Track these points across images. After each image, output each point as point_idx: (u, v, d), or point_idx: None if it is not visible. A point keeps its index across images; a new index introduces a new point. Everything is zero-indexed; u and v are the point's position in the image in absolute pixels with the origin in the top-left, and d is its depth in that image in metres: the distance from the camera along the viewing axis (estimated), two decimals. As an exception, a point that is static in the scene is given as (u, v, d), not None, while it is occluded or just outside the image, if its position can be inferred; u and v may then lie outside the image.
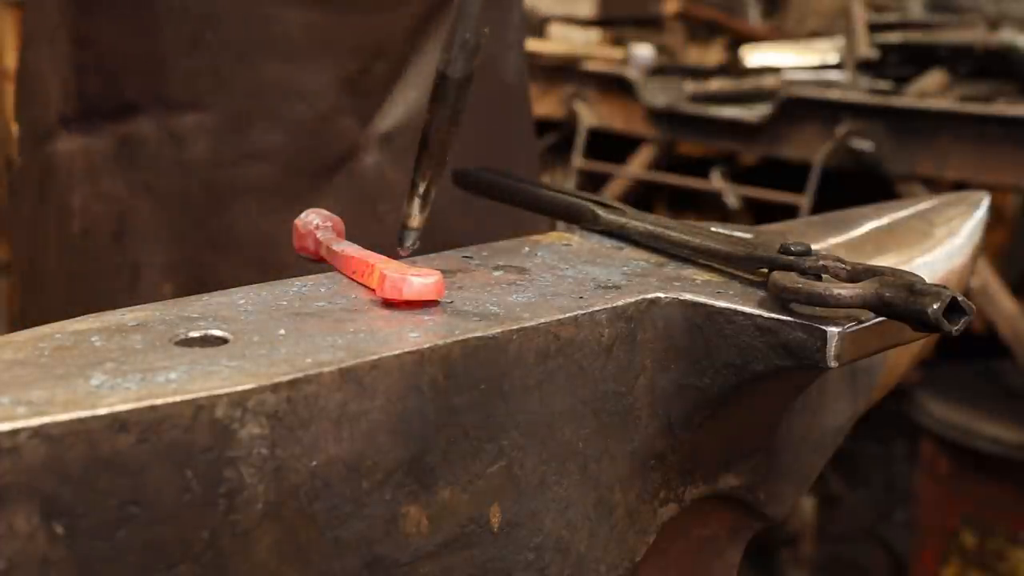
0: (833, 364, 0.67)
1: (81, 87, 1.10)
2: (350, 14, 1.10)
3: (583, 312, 0.68)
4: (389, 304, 0.67)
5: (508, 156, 1.23)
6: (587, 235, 0.88)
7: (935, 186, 2.31)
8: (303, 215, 0.81)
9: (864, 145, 2.31)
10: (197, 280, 1.08)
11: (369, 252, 0.73)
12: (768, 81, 2.60)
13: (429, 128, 0.71)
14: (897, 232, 1.00)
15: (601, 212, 0.88)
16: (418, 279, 0.67)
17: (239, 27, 1.07)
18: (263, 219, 1.09)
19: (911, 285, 0.65)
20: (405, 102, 1.16)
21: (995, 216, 1.26)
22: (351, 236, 0.79)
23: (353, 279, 0.73)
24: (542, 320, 0.66)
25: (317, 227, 0.80)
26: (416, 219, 0.70)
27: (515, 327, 0.65)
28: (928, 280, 0.67)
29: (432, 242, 0.79)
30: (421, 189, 0.70)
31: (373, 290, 0.69)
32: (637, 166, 2.79)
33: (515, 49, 1.26)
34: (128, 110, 1.09)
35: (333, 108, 1.10)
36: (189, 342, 0.60)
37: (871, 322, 0.68)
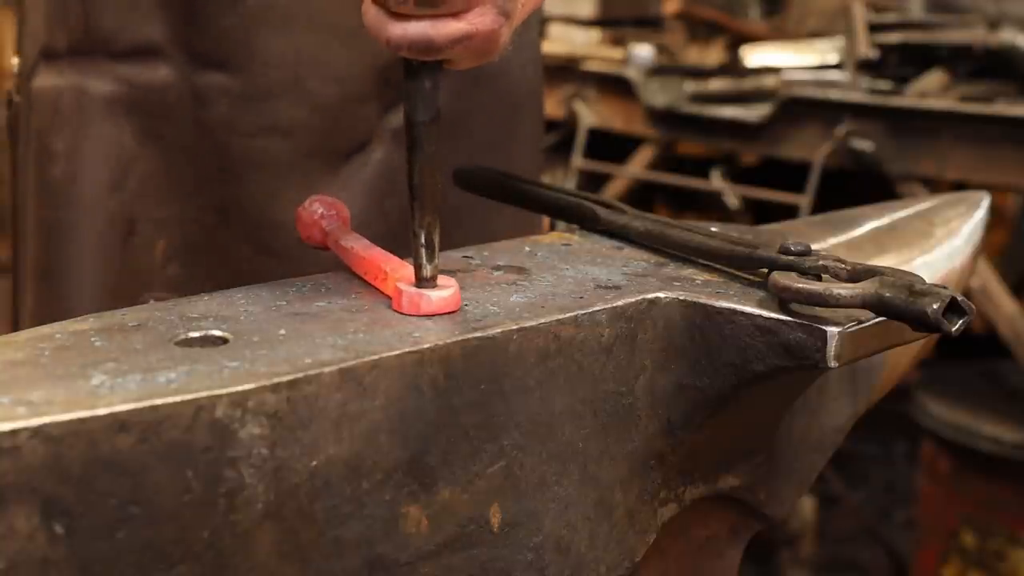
0: (833, 364, 0.67)
1: (89, 20, 1.02)
2: None
3: (583, 312, 0.68)
4: (399, 311, 0.67)
5: (517, 155, 1.22)
6: (587, 235, 0.88)
7: (935, 186, 2.31)
8: (307, 203, 0.80)
9: (864, 145, 2.31)
10: (191, 244, 1.03)
11: (380, 252, 0.73)
12: (768, 81, 2.60)
13: (412, 176, 0.70)
14: (897, 232, 1.00)
15: (601, 212, 0.88)
16: (436, 294, 0.67)
17: None
18: (271, 198, 1.06)
19: (911, 285, 0.65)
20: None
21: (995, 216, 1.26)
22: (355, 228, 0.79)
23: (362, 278, 0.73)
24: (542, 320, 0.66)
25: (322, 216, 0.79)
26: (428, 269, 0.69)
27: (515, 327, 0.65)
28: (928, 280, 0.67)
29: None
30: (423, 239, 0.69)
31: (382, 292, 0.69)
32: (637, 166, 2.79)
33: (531, 50, 1.25)
34: (146, 53, 1.03)
35: (361, 94, 1.07)
36: (189, 342, 0.60)
37: (871, 322, 0.68)
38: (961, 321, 0.64)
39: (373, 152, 1.08)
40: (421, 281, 0.68)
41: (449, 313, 0.67)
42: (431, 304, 0.66)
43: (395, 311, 0.67)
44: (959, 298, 0.64)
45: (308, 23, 1.04)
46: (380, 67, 1.06)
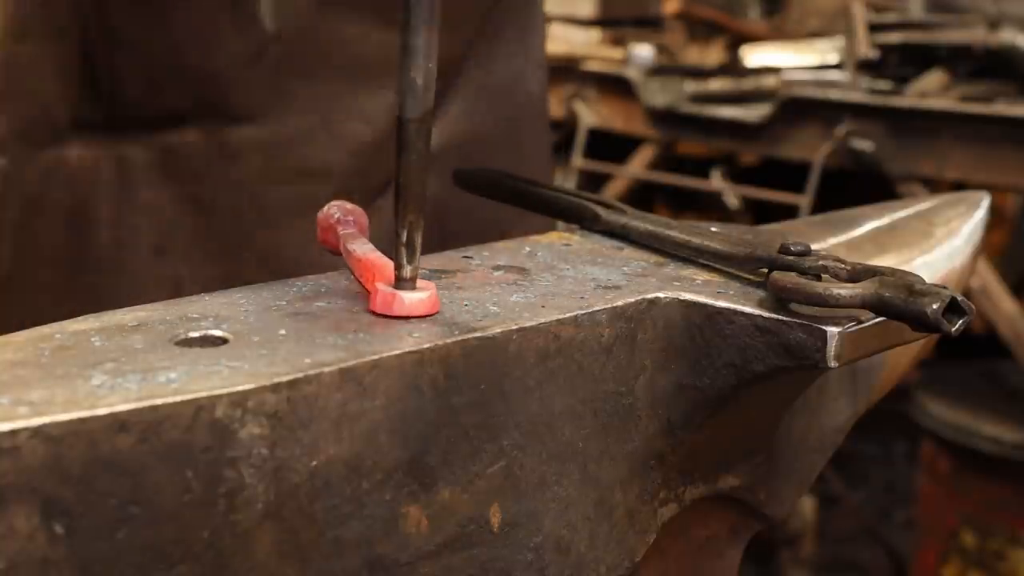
0: (833, 364, 0.67)
1: (116, 92, 1.04)
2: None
3: (583, 312, 0.68)
4: (371, 309, 0.67)
5: (529, 169, 1.23)
6: (587, 235, 0.88)
7: (935, 186, 2.31)
8: (326, 208, 0.80)
9: (864, 145, 2.31)
10: None
11: (376, 255, 0.73)
12: (768, 81, 2.60)
13: (399, 175, 0.69)
14: (897, 232, 1.00)
15: (602, 212, 0.88)
16: (409, 296, 0.66)
17: (307, 43, 1.03)
18: (311, 241, 1.07)
19: (911, 285, 0.65)
20: (453, 121, 1.14)
21: (995, 216, 1.26)
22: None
23: (358, 280, 0.73)
24: (542, 320, 0.66)
25: (338, 221, 0.79)
26: (407, 270, 0.68)
27: (515, 327, 0.65)
28: (928, 280, 0.67)
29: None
30: (404, 238, 0.68)
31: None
32: (637, 166, 2.79)
33: (538, 66, 1.25)
34: (173, 119, 1.04)
35: (390, 129, 1.08)
36: (189, 342, 0.60)
37: (871, 322, 0.68)
38: (961, 321, 0.64)
39: None
40: (400, 282, 0.67)
41: (426, 316, 0.66)
42: (403, 306, 0.66)
43: (371, 312, 0.67)
44: (959, 298, 0.64)
45: (333, 69, 1.04)
46: None
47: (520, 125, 1.21)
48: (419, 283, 0.67)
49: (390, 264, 0.70)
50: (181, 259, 1.05)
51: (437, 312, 0.67)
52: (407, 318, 0.66)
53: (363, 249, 0.74)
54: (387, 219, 1.06)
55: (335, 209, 0.79)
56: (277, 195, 1.05)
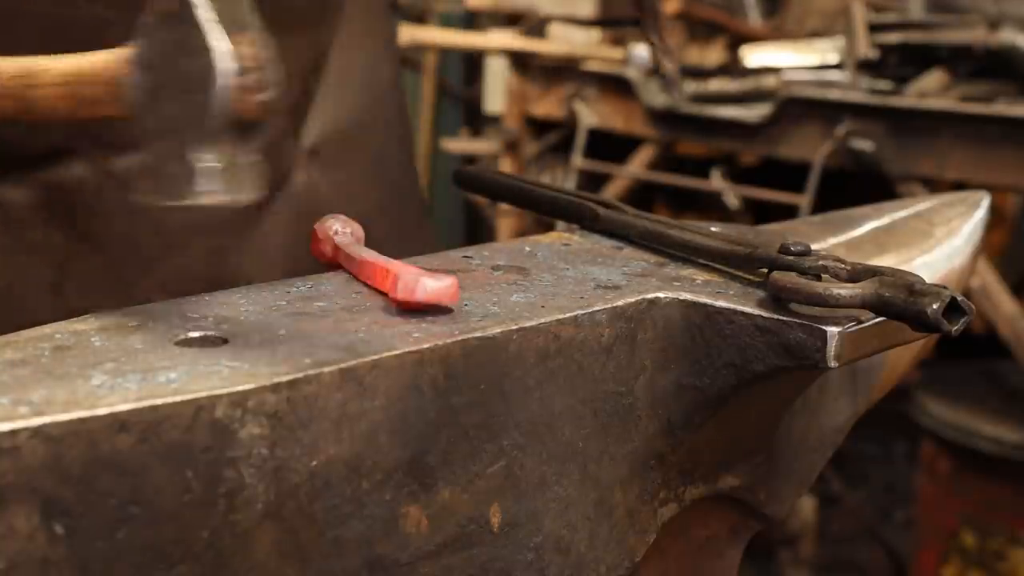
0: (833, 364, 0.67)
1: None
2: (297, 36, 1.06)
3: (583, 312, 0.68)
4: (397, 305, 0.67)
5: (392, 151, 1.24)
6: (587, 235, 0.88)
7: (935, 186, 2.31)
8: (323, 220, 0.80)
9: (864, 145, 2.31)
10: None
11: (387, 258, 0.73)
12: (768, 81, 2.60)
13: None
14: (897, 232, 1.00)
15: (601, 211, 0.88)
16: (432, 282, 0.66)
17: None
18: (214, 259, 1.05)
19: (911, 285, 0.65)
20: (324, 112, 1.14)
21: (995, 216, 1.26)
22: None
23: (364, 281, 0.73)
24: (542, 320, 0.66)
25: (336, 232, 0.79)
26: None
27: (515, 327, 0.65)
28: (928, 280, 0.67)
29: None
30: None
31: (384, 293, 0.69)
32: (637, 166, 2.79)
33: (391, 53, 1.28)
34: (55, 156, 1.01)
35: (280, 133, 1.07)
36: (189, 342, 0.60)
37: (871, 322, 0.68)
38: (961, 321, 0.64)
39: (295, 179, 1.09)
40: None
41: (445, 308, 0.67)
42: (426, 291, 0.66)
43: (392, 304, 0.67)
44: (959, 298, 0.64)
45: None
46: (292, 104, 1.06)
47: (381, 112, 1.22)
48: (438, 274, 0.68)
49: (404, 265, 0.70)
50: (79, 295, 1.02)
51: (455, 303, 0.67)
52: (423, 309, 0.66)
53: (371, 254, 0.74)
54: (290, 224, 1.05)
55: (333, 221, 0.80)
56: (176, 217, 1.01)
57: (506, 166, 3.06)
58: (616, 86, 2.78)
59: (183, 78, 0.62)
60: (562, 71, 2.92)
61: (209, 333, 0.61)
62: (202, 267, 1.03)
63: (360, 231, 0.81)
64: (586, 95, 2.85)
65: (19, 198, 1.02)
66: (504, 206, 2.96)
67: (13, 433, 0.48)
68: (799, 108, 2.44)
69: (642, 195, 2.93)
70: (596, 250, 0.84)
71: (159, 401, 0.51)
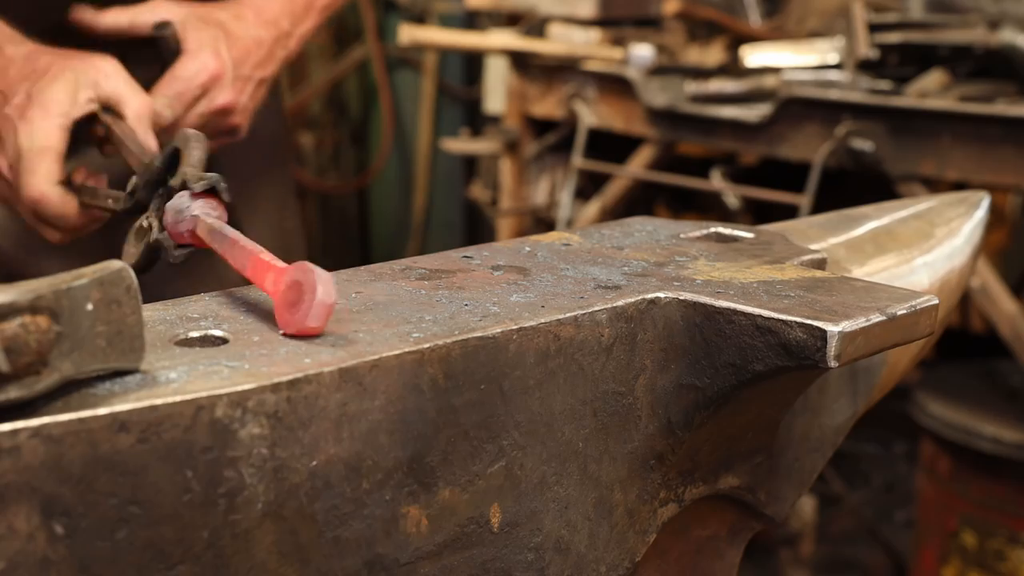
0: (833, 364, 0.67)
1: None
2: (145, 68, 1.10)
3: (583, 312, 0.68)
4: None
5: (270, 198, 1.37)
6: (587, 235, 0.88)
7: (935, 186, 2.31)
8: (175, 199, 0.79)
9: (864, 145, 2.30)
10: None
11: (260, 248, 0.69)
12: (768, 81, 2.59)
13: None
14: (897, 232, 0.99)
15: None
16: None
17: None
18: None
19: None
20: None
21: (995, 216, 1.25)
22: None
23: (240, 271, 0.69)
24: (542, 320, 0.66)
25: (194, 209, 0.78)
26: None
27: (515, 327, 0.65)
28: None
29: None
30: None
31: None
32: (637, 166, 2.79)
33: (274, 112, 1.35)
34: None
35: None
36: (189, 342, 0.60)
37: (872, 322, 0.68)
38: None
39: None
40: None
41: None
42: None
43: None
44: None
45: None
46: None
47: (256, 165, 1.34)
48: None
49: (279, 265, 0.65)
50: None
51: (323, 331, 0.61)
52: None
53: (242, 239, 0.71)
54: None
55: (186, 199, 0.78)
56: (26, 260, 1.06)
57: (506, 166, 3.06)
58: (616, 86, 2.77)
59: None
60: (562, 71, 2.92)
61: (209, 333, 0.61)
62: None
63: (222, 208, 0.79)
64: (586, 95, 2.85)
65: None
66: (504, 206, 2.96)
67: (13, 433, 0.48)
68: (799, 108, 2.44)
69: (642, 195, 2.93)
70: (596, 250, 0.84)
71: (159, 401, 0.51)
